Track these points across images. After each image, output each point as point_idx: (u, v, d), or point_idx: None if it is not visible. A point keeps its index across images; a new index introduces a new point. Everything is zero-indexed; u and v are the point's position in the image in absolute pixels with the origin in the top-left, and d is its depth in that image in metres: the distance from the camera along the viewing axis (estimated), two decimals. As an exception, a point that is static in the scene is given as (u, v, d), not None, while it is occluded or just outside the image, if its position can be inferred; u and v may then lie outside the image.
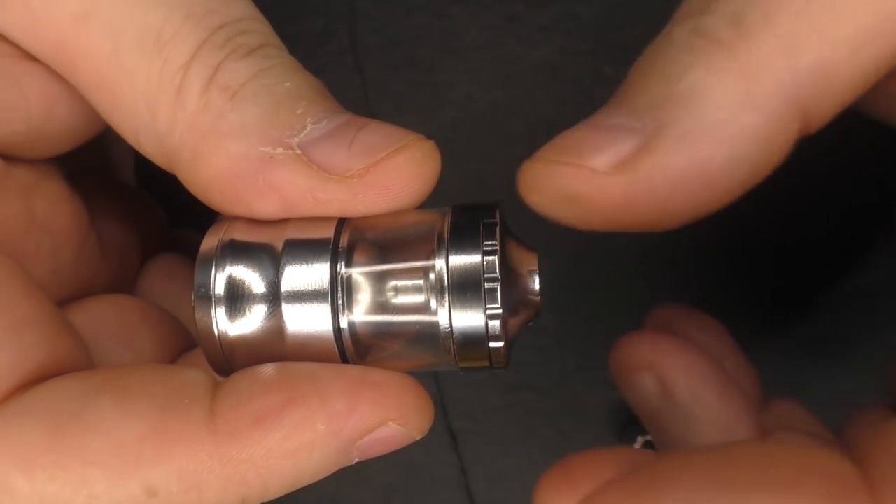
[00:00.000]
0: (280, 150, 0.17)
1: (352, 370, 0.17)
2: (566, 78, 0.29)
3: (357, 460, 0.17)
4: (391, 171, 0.17)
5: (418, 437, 0.17)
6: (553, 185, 0.17)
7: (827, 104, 0.16)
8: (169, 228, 0.26)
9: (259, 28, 0.18)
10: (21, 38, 0.18)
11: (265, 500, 0.16)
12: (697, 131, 0.16)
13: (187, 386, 0.16)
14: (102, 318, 0.20)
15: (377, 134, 0.17)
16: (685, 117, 0.16)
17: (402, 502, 0.28)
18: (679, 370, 0.21)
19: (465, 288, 0.16)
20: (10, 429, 0.15)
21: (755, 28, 0.16)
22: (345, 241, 0.17)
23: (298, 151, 0.17)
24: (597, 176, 0.16)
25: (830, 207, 0.28)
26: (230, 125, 0.17)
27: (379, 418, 0.16)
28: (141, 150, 0.18)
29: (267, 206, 0.17)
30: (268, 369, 0.17)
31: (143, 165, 0.22)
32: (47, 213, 0.19)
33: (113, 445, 0.15)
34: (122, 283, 0.23)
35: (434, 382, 0.30)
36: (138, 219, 0.24)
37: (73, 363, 0.17)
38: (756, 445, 0.16)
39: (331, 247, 0.17)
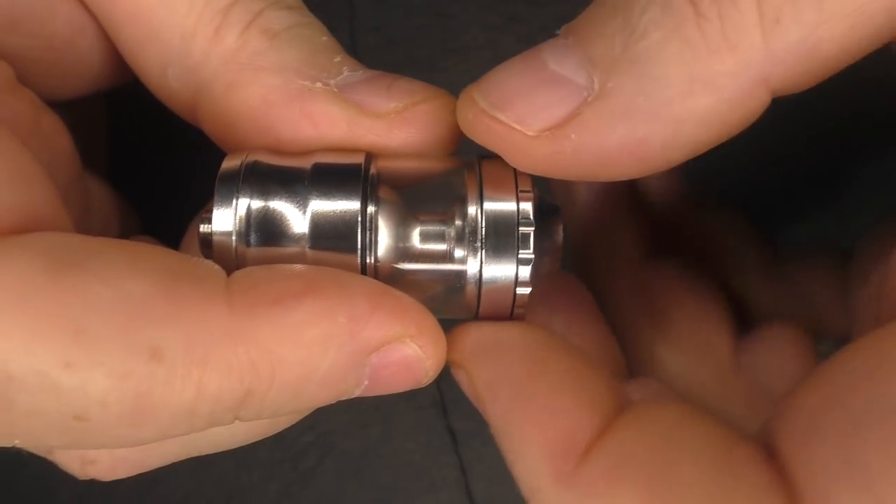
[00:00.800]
0: (319, 84, 0.17)
1: (375, 282, 0.16)
2: (566, 78, 0.29)
3: (366, 386, 0.16)
4: (427, 113, 0.17)
5: (430, 376, 0.16)
6: (480, 136, 0.16)
7: (800, 85, 0.15)
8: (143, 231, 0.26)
9: None
10: None
11: (264, 408, 0.15)
12: (640, 107, 0.15)
13: (203, 265, 0.15)
14: None
15: (412, 84, 0.18)
16: (631, 88, 0.15)
17: (402, 502, 0.28)
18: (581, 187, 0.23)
19: (497, 241, 0.16)
20: (1, 262, 0.14)
21: None
22: (372, 180, 0.17)
23: (336, 90, 0.17)
24: (524, 139, 0.16)
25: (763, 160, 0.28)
26: (268, 61, 0.17)
27: (398, 329, 0.15)
28: (163, 89, 0.19)
29: (299, 136, 0.17)
30: (288, 266, 0.16)
31: (119, 173, 0.22)
32: (51, 131, 0.19)
33: (119, 295, 0.14)
34: None
35: (434, 382, 0.30)
36: (118, 209, 0.24)
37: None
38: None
39: (360, 182, 0.16)
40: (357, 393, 0.16)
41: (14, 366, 0.13)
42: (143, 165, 0.24)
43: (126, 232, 0.24)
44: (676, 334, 0.22)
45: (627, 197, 0.25)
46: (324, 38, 0.18)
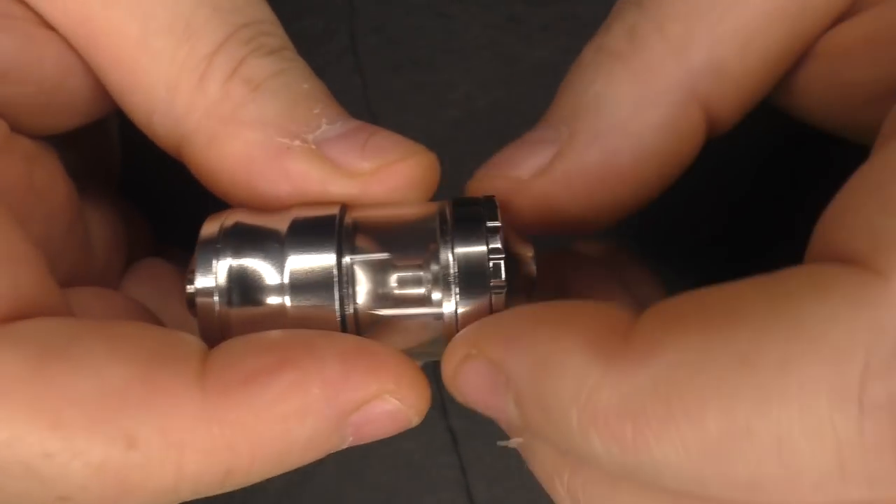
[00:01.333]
0: (297, 142, 0.18)
1: (348, 339, 0.16)
2: (566, 78, 0.29)
3: (351, 441, 0.16)
4: (400, 173, 0.18)
5: (416, 421, 0.16)
6: (490, 191, 0.19)
7: (727, 98, 0.18)
8: (156, 242, 0.26)
9: (278, 33, 0.19)
10: (45, 8, 0.18)
11: (250, 479, 0.15)
12: (604, 130, 0.18)
13: (180, 343, 0.16)
14: (87, 305, 0.19)
15: (388, 140, 0.18)
16: (592, 120, 0.18)
17: (402, 502, 0.28)
18: None
19: (470, 276, 0.17)
20: None
21: (647, 37, 0.18)
22: (347, 230, 0.17)
23: (314, 147, 0.18)
24: (520, 183, 0.19)
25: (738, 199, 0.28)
26: (249, 115, 0.18)
27: (375, 388, 0.15)
28: (150, 132, 0.19)
29: (277, 193, 0.18)
30: (263, 335, 0.16)
31: (131, 181, 0.22)
32: (45, 184, 0.19)
33: (98, 385, 0.14)
34: (106, 282, 0.23)
35: (434, 382, 0.30)
36: (124, 224, 0.24)
37: (60, 313, 0.17)
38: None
39: (335, 235, 0.17)
40: (343, 447, 0.16)
41: (0, 456, 0.14)
42: (156, 171, 0.24)
43: (134, 250, 0.24)
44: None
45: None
46: (305, 85, 0.19)
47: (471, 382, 0.16)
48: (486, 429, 0.30)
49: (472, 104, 0.29)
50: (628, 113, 0.18)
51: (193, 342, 0.16)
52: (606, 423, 0.13)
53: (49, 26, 0.18)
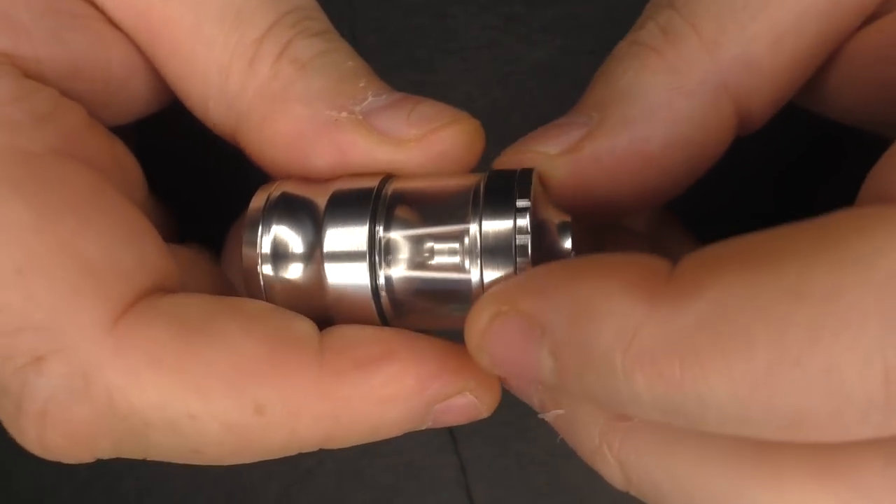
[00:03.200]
0: (344, 114, 0.18)
1: (442, 343, 0.18)
2: (566, 78, 0.29)
3: (429, 425, 0.18)
4: (445, 140, 0.19)
5: (485, 415, 0.18)
6: (515, 163, 0.19)
7: (759, 94, 0.19)
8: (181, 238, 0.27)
9: (322, 17, 0.21)
10: (112, 6, 0.19)
11: (343, 444, 0.18)
12: (635, 115, 0.18)
13: (299, 324, 0.18)
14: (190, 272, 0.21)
15: (433, 108, 0.19)
16: (623, 106, 0.18)
17: (402, 502, 0.28)
18: None
19: (496, 254, 0.17)
20: (143, 327, 0.17)
21: (681, 33, 0.18)
22: (385, 199, 0.18)
23: (361, 117, 0.18)
24: (549, 157, 0.19)
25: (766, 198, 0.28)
26: (298, 92, 0.19)
27: (460, 385, 0.18)
28: (207, 117, 0.20)
29: (326, 164, 0.19)
30: (371, 327, 0.18)
31: (156, 180, 0.23)
32: (125, 161, 0.20)
33: (234, 358, 0.17)
34: None
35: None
36: (160, 212, 0.25)
37: (177, 283, 0.19)
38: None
39: (370, 207, 0.18)
40: (422, 428, 0.19)
41: (150, 414, 0.16)
42: (179, 168, 0.24)
43: (170, 237, 0.24)
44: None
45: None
46: (349, 62, 0.19)
47: (501, 340, 0.16)
48: (487, 429, 0.30)
49: (471, 104, 0.29)
50: (660, 101, 0.18)
51: (309, 324, 0.18)
52: (653, 362, 0.13)
53: (115, 26, 0.20)
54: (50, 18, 0.19)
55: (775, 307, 0.13)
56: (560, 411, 0.18)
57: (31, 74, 0.18)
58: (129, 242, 0.17)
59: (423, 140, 0.18)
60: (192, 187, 0.22)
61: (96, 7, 0.19)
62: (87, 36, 0.19)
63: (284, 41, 0.19)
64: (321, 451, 0.18)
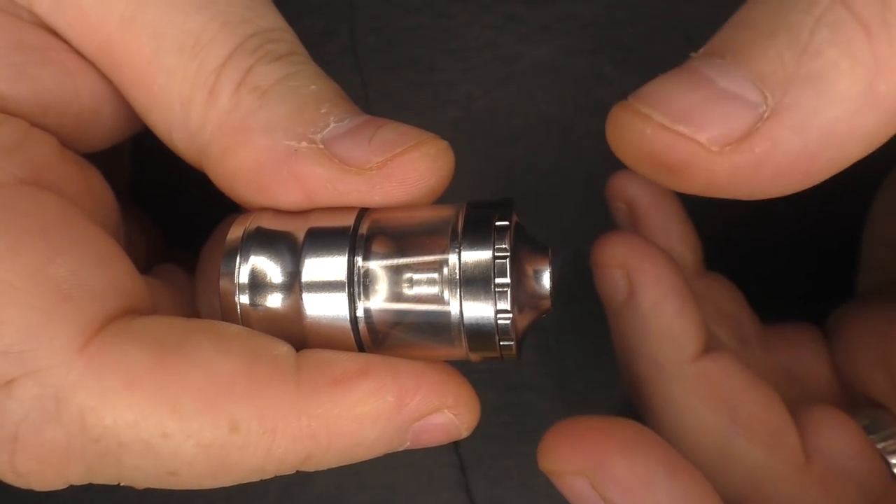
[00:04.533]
0: (304, 144, 0.18)
1: (419, 363, 0.18)
2: (566, 78, 0.29)
3: (408, 445, 0.18)
4: (407, 165, 0.18)
5: (465, 434, 0.18)
6: (651, 148, 0.16)
7: None
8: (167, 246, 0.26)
9: (287, 38, 0.19)
10: (73, 37, 0.19)
11: (321, 465, 0.17)
12: (814, 124, 0.15)
13: (275, 344, 0.17)
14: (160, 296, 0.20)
15: (395, 132, 0.18)
16: (807, 104, 0.15)
17: (402, 502, 0.28)
18: (647, 276, 0.23)
19: (475, 285, 0.17)
20: (116, 348, 0.16)
21: None
22: (363, 232, 0.18)
23: (321, 146, 0.18)
24: (706, 152, 0.15)
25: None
26: (258, 121, 0.18)
27: (438, 402, 0.17)
28: (173, 147, 0.19)
29: (290, 197, 0.18)
30: (348, 352, 0.18)
31: (141, 189, 0.23)
32: (96, 188, 0.20)
33: (208, 376, 0.16)
34: None
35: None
36: (140, 231, 0.24)
37: (149, 306, 0.18)
38: None
39: (349, 238, 0.18)
40: (400, 449, 0.18)
41: (124, 434, 0.16)
42: (167, 175, 0.24)
43: (151, 254, 0.24)
44: (747, 423, 0.22)
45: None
46: (312, 86, 0.19)
47: None
48: (486, 429, 0.30)
49: (471, 104, 0.29)
50: (845, 112, 0.15)
51: (285, 345, 0.18)
52: None
53: (82, 56, 0.19)
54: (15, 54, 0.18)
55: None
56: None
57: None
58: (98, 266, 0.17)
59: (385, 167, 0.17)
60: (192, 187, 0.22)
61: (60, 38, 0.19)
62: (53, 70, 0.19)
63: (245, 68, 0.18)
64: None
